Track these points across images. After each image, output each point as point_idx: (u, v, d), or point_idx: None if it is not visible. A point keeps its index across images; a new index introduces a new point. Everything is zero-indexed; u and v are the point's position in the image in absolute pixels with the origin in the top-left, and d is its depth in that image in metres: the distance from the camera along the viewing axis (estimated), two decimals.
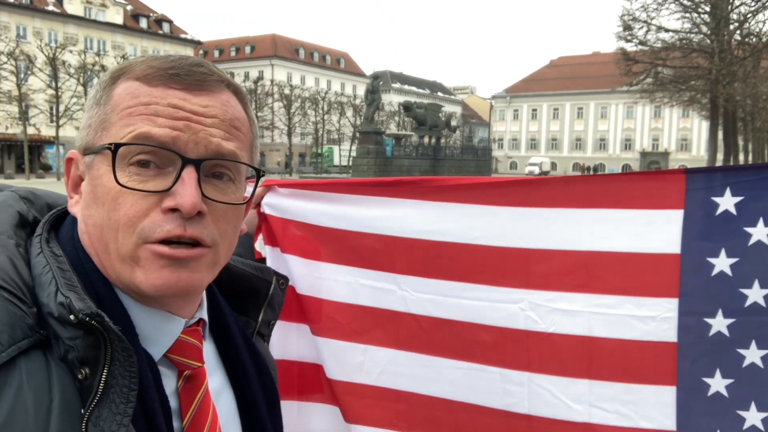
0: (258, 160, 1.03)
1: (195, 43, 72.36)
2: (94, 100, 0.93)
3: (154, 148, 0.86)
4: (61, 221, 0.98)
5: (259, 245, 1.98)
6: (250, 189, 1.02)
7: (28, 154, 46.92)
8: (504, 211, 1.77)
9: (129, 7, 65.75)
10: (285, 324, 2.00)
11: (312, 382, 2.01)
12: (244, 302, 1.18)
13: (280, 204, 1.97)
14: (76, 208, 0.94)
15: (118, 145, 0.86)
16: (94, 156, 0.89)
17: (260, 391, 1.10)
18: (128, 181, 0.86)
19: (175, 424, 0.93)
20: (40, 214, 0.99)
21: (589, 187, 1.72)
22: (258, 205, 1.97)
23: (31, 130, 49.29)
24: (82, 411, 0.79)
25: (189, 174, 0.87)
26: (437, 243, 1.83)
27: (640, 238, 1.67)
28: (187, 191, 0.86)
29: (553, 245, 1.73)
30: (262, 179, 1.11)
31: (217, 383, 1.03)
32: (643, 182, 1.69)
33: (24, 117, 46.67)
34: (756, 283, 1.59)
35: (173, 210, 0.86)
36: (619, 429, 1.67)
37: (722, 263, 1.61)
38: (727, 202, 1.60)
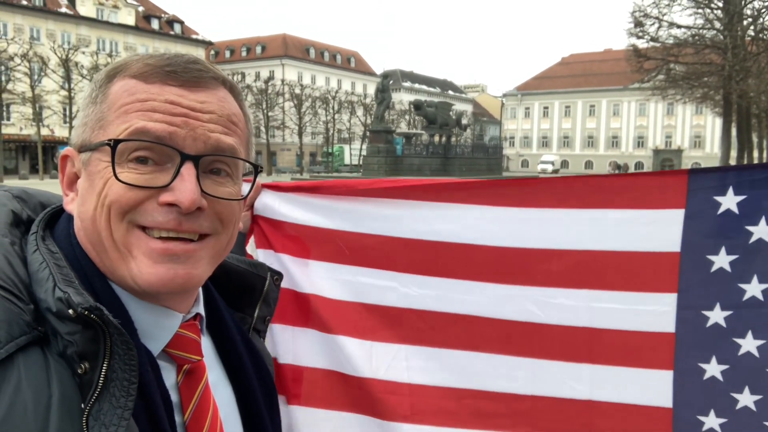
0: (254, 156, 1.04)
1: (206, 44, 72.67)
2: (90, 99, 0.93)
3: (151, 144, 0.86)
4: (55, 220, 0.98)
5: (251, 248, 1.96)
6: (246, 187, 1.02)
7: (42, 155, 47.32)
8: (503, 211, 1.78)
9: (141, 8, 66.16)
10: (281, 327, 1.95)
11: (315, 388, 1.95)
12: (239, 299, 1.19)
13: (274, 206, 1.97)
14: (72, 206, 0.94)
15: (117, 141, 0.86)
16: (91, 153, 0.90)
17: (258, 384, 1.11)
18: (127, 177, 0.86)
19: (177, 418, 0.92)
20: (34, 213, 0.99)
21: (589, 188, 1.73)
22: (251, 208, 1.95)
23: (44, 131, 49.77)
24: (83, 406, 0.78)
25: (188, 170, 0.87)
26: (436, 243, 1.84)
27: (641, 238, 1.68)
28: (187, 187, 0.85)
29: (552, 245, 1.75)
30: (260, 175, 1.12)
31: (214, 378, 1.04)
32: (645, 182, 1.70)
33: (38, 118, 47.09)
34: (755, 279, 1.61)
35: (170, 205, 0.86)
36: (619, 405, 1.73)
37: (722, 260, 1.63)
38: (729, 201, 1.60)
